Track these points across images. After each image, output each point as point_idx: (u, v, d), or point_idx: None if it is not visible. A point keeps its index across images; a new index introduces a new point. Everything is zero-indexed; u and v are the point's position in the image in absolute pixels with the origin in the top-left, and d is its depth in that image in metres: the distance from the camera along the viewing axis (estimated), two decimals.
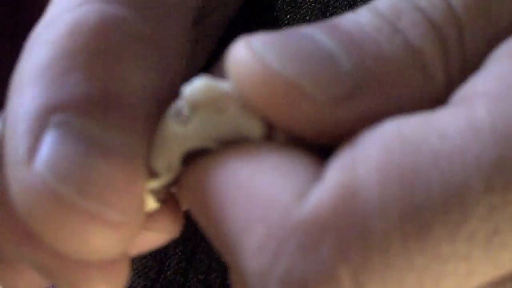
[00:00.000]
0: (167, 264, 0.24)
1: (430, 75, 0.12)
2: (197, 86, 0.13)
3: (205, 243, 0.24)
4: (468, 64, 0.12)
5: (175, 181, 0.14)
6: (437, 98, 0.12)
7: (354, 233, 0.10)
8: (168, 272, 0.24)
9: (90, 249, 0.12)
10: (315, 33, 0.12)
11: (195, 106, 0.13)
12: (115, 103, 0.13)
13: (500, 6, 0.12)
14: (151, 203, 0.15)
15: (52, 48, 0.12)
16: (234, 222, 0.11)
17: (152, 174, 0.14)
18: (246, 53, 0.12)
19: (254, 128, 0.13)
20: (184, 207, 0.14)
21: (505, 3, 0.12)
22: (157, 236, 0.16)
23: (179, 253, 0.24)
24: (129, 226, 0.12)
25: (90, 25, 0.12)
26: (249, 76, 0.12)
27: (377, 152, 0.11)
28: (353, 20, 0.12)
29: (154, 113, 0.14)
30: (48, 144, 0.11)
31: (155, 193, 0.14)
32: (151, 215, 0.15)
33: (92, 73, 0.12)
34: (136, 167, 0.13)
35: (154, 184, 0.14)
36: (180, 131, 0.13)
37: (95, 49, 0.12)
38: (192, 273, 0.24)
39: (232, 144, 0.13)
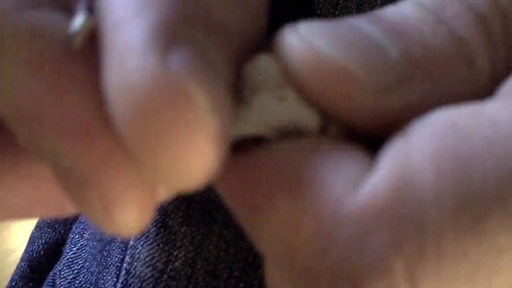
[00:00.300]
0: (175, 254, 0.25)
1: (475, 65, 0.12)
2: (260, 67, 0.12)
3: (212, 234, 0.25)
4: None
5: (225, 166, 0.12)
6: (482, 88, 0.12)
7: (409, 223, 0.10)
8: (176, 263, 0.25)
9: (189, 164, 0.11)
10: (361, 23, 0.12)
11: (256, 88, 0.12)
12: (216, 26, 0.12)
13: None
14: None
15: None
16: (283, 212, 0.11)
17: None
18: (295, 39, 0.12)
19: (310, 120, 0.12)
20: (223, 193, 0.13)
21: None
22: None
23: (187, 244, 0.24)
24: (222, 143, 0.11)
25: None
26: (300, 62, 0.12)
27: (431, 140, 0.10)
28: (397, 11, 0.12)
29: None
30: (182, 53, 0.11)
31: None
32: None
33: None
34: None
35: None
36: (238, 113, 0.12)
37: None
38: (200, 263, 0.25)
39: (289, 137, 0.12)
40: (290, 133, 0.12)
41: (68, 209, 0.15)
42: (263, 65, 0.12)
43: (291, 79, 0.12)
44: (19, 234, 1.03)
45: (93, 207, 0.12)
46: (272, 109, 0.12)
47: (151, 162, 0.11)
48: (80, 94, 0.12)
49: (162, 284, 0.25)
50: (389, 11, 0.13)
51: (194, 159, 0.11)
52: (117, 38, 0.11)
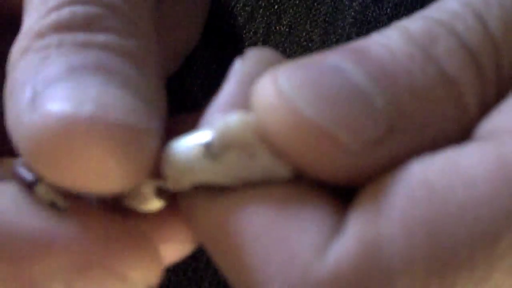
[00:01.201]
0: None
1: (464, 105, 0.11)
2: (233, 124, 0.12)
3: None
4: (504, 90, 0.12)
5: (179, 196, 0.14)
6: (470, 127, 0.12)
7: None
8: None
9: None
10: (343, 63, 0.11)
11: (227, 145, 0.12)
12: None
13: None
14: (156, 202, 0.14)
15: None
16: (252, 273, 0.11)
17: (159, 174, 0.14)
18: (273, 95, 0.11)
19: (282, 174, 0.12)
20: (193, 235, 0.14)
21: None
22: (179, 247, 0.16)
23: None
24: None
25: None
26: (278, 120, 0.11)
27: (401, 203, 0.10)
28: (383, 45, 0.12)
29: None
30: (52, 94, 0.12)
31: (160, 192, 0.14)
32: (169, 226, 0.15)
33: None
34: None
35: (160, 184, 0.14)
36: (206, 163, 0.13)
37: None
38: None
39: (255, 186, 0.12)
40: (259, 185, 0.12)
41: None
42: (235, 123, 0.13)
43: (266, 136, 0.12)
44: None
45: None
46: (242, 165, 0.12)
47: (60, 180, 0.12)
48: None
49: None
50: (374, 44, 0.12)
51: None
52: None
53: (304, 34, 0.26)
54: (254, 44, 0.26)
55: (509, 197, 0.10)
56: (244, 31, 0.26)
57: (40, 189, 0.13)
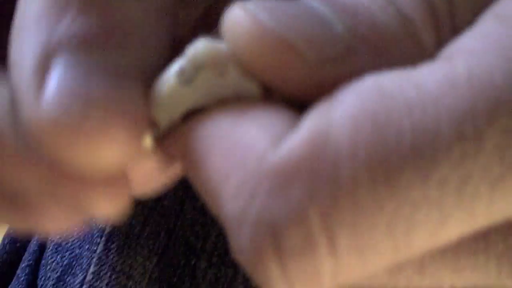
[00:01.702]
0: (164, 193, 0.25)
1: (420, 43, 0.12)
2: (201, 48, 0.13)
3: None
4: (458, 31, 0.12)
5: (172, 136, 0.14)
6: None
7: (323, 176, 0.11)
8: (165, 201, 0.26)
9: (96, 161, 0.13)
10: (310, 0, 0.12)
11: (199, 67, 0.13)
12: (116, 38, 0.13)
13: None
14: (146, 151, 0.15)
15: None
16: (215, 171, 0.12)
17: (151, 124, 0.14)
18: (240, 13, 0.12)
19: (252, 90, 0.13)
20: (177, 162, 0.14)
21: None
22: (154, 170, 0.17)
23: (176, 183, 0.25)
24: (128, 143, 0.13)
25: None
26: (243, 34, 0.12)
27: (353, 100, 0.11)
28: None
29: (153, 50, 0.14)
30: (53, 80, 0.12)
31: (152, 141, 0.15)
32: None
33: (87, 10, 0.13)
34: (136, 97, 0.13)
35: (152, 132, 0.15)
36: (183, 90, 0.13)
37: None
38: (189, 201, 0.25)
39: (226, 103, 0.13)
40: (232, 102, 0.13)
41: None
42: (203, 46, 0.13)
43: (234, 51, 0.13)
44: None
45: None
46: (215, 84, 0.13)
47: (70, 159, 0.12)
48: None
49: (152, 220, 0.26)
50: None
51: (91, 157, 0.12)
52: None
53: None
54: None
55: (453, 99, 0.11)
56: None
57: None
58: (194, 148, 0.12)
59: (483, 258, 0.12)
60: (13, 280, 0.31)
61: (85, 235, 0.28)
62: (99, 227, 0.27)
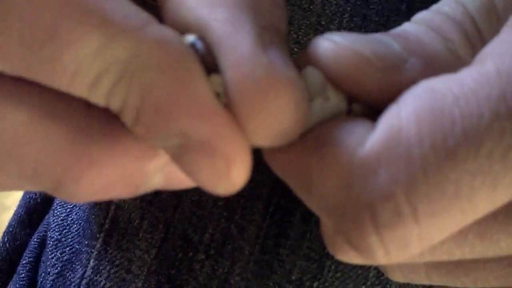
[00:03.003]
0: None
1: (459, 56, 0.17)
2: (309, 76, 0.17)
3: None
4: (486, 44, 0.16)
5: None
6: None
7: (401, 160, 0.14)
8: (163, 195, 0.26)
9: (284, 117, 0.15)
10: (374, 34, 0.17)
11: (311, 95, 0.16)
12: (284, 37, 0.17)
13: (504, 2, 0.17)
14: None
15: None
16: (318, 167, 0.15)
17: None
18: (326, 42, 0.16)
19: (341, 105, 0.17)
20: (279, 169, 0.17)
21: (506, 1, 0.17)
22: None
23: None
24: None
25: None
26: (332, 56, 0.16)
27: (413, 100, 0.14)
28: (401, 29, 0.17)
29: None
30: (272, 49, 0.15)
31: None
32: None
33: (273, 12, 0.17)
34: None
35: None
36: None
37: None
38: (186, 195, 0.26)
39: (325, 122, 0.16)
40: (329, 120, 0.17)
41: (142, 189, 0.18)
42: (310, 74, 0.17)
43: (326, 72, 0.16)
44: (13, 192, 1.04)
45: (214, 169, 0.16)
46: (323, 108, 0.16)
47: (254, 126, 0.15)
48: (195, 87, 0.15)
49: (150, 214, 0.26)
50: (397, 29, 0.17)
51: (289, 123, 0.15)
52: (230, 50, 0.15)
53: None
54: None
55: (488, 89, 0.14)
56: None
57: (216, 79, 0.16)
58: (300, 155, 0.16)
59: None
60: (14, 277, 0.31)
61: (84, 231, 0.28)
62: (99, 222, 0.27)
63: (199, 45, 0.16)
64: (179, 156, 0.16)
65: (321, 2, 0.27)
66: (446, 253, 0.16)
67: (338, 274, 0.25)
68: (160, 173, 0.18)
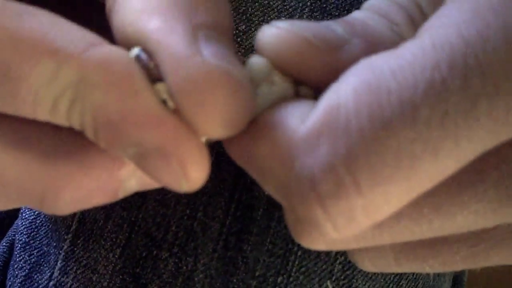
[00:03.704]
0: None
1: (403, 37, 0.17)
2: (254, 63, 0.17)
3: None
4: None
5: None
6: None
7: (339, 133, 0.14)
8: (128, 196, 0.26)
9: (225, 108, 0.16)
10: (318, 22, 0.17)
11: (257, 81, 0.17)
12: (225, 32, 0.18)
13: None
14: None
15: None
16: (263, 147, 0.16)
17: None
18: (271, 29, 0.17)
19: (287, 89, 0.17)
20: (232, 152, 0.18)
21: None
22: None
23: None
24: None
25: None
26: (276, 41, 0.17)
27: (352, 76, 0.15)
28: (351, 16, 0.18)
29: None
30: (206, 46, 0.16)
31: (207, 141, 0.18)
32: None
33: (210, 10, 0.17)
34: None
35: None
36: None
37: None
38: (150, 194, 0.26)
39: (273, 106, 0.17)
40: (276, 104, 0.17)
41: (121, 194, 0.19)
42: (254, 61, 0.17)
43: (271, 56, 0.17)
44: None
45: (172, 172, 0.17)
46: (270, 92, 0.17)
47: (203, 122, 0.16)
48: (140, 99, 0.16)
49: (115, 213, 0.26)
50: (346, 16, 0.18)
51: (234, 112, 0.16)
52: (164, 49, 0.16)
53: None
54: None
55: (423, 61, 0.14)
56: None
57: (161, 87, 0.16)
58: (253, 141, 0.17)
59: (482, 187, 0.15)
60: None
61: (52, 233, 0.28)
62: (66, 224, 0.28)
63: (143, 56, 0.16)
64: (139, 162, 0.17)
65: None
66: (405, 231, 0.16)
67: (303, 269, 0.26)
68: (133, 177, 0.19)
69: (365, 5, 0.19)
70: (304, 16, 0.27)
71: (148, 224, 0.26)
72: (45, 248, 0.28)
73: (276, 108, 0.17)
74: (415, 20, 0.18)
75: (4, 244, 0.32)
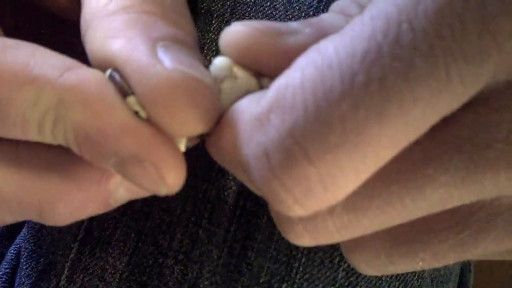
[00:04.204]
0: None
1: None
2: (217, 62, 0.19)
3: None
4: None
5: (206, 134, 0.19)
6: None
7: (287, 108, 0.15)
8: (136, 206, 0.27)
9: (191, 115, 0.17)
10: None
11: (221, 78, 0.19)
12: (185, 41, 0.19)
13: None
14: (181, 147, 0.20)
15: None
16: (227, 135, 0.17)
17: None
18: (233, 28, 0.18)
19: (250, 82, 0.19)
20: (211, 152, 0.19)
21: None
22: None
23: None
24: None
25: None
26: (236, 39, 0.18)
27: (301, 59, 0.16)
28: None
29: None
30: (165, 55, 0.18)
31: (189, 140, 0.20)
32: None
33: (168, 24, 0.19)
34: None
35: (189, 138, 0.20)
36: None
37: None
38: (156, 203, 0.26)
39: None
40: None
41: (113, 203, 0.21)
42: (217, 61, 0.19)
43: (232, 53, 0.19)
44: None
45: (150, 177, 0.18)
46: (234, 87, 0.18)
47: (171, 123, 0.17)
48: (112, 114, 0.18)
49: (122, 223, 0.26)
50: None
51: (198, 110, 0.17)
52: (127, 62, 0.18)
53: (268, 3, 0.28)
54: (222, 15, 0.28)
55: (363, 29, 0.15)
56: (213, 3, 0.28)
57: (132, 100, 0.18)
58: (220, 133, 0.18)
59: (445, 156, 0.16)
60: None
61: (59, 242, 0.29)
62: (73, 232, 0.28)
63: (114, 75, 0.18)
64: (121, 171, 0.18)
65: (283, 7, 0.27)
66: (380, 213, 0.17)
67: (307, 276, 0.26)
68: (121, 187, 0.21)
69: (330, 7, 0.21)
70: None
71: (155, 232, 0.26)
72: (52, 257, 0.29)
73: (240, 99, 0.18)
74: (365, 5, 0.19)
75: (12, 251, 0.32)
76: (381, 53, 0.14)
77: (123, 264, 0.26)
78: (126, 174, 0.18)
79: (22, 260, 0.30)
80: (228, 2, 0.28)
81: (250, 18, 0.27)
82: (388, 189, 0.16)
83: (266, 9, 0.27)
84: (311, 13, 0.27)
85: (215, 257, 0.25)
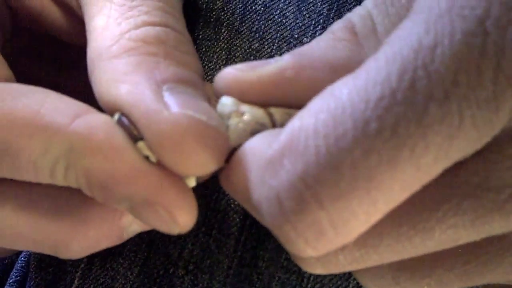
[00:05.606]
0: None
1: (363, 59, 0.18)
2: (222, 102, 0.19)
3: None
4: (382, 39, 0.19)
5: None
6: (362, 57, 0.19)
7: (298, 152, 0.15)
8: None
9: (201, 160, 0.18)
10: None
11: (227, 116, 0.19)
12: (189, 79, 0.20)
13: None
14: (192, 182, 0.20)
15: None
16: (240, 176, 0.17)
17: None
18: (230, 70, 0.19)
19: (258, 115, 0.19)
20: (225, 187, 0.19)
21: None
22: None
23: None
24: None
25: None
26: (236, 82, 0.19)
27: (315, 103, 0.16)
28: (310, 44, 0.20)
29: None
30: (171, 99, 0.18)
31: (199, 177, 0.20)
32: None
33: (172, 64, 0.20)
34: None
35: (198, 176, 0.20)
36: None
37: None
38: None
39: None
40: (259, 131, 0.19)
41: (125, 237, 0.22)
42: (222, 101, 0.19)
43: (232, 91, 0.19)
44: None
45: (162, 219, 0.18)
46: (242, 121, 0.19)
47: (182, 166, 0.18)
48: (123, 159, 0.18)
49: (127, 247, 0.26)
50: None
51: (207, 150, 0.18)
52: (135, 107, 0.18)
53: (278, 11, 0.27)
54: (232, 24, 0.28)
55: (377, 74, 0.15)
56: (223, 12, 0.28)
57: (142, 145, 0.18)
58: (231, 172, 0.18)
59: (455, 201, 0.16)
60: None
61: None
62: None
63: (123, 120, 0.19)
64: (133, 212, 0.19)
65: (293, 16, 0.27)
66: (390, 250, 0.17)
67: (318, 286, 0.26)
68: (134, 223, 0.22)
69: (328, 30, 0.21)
70: (317, 33, 0.27)
71: (165, 242, 0.26)
72: (62, 266, 0.29)
73: (250, 138, 0.18)
74: (358, 35, 0.19)
75: (22, 259, 0.32)
76: (395, 100, 0.14)
77: (133, 274, 0.26)
78: (138, 216, 0.19)
79: (31, 270, 0.29)
80: (238, 11, 0.28)
81: (260, 27, 0.27)
82: (398, 229, 0.16)
83: (276, 17, 0.27)
84: (321, 20, 0.27)
85: (226, 267, 0.25)
